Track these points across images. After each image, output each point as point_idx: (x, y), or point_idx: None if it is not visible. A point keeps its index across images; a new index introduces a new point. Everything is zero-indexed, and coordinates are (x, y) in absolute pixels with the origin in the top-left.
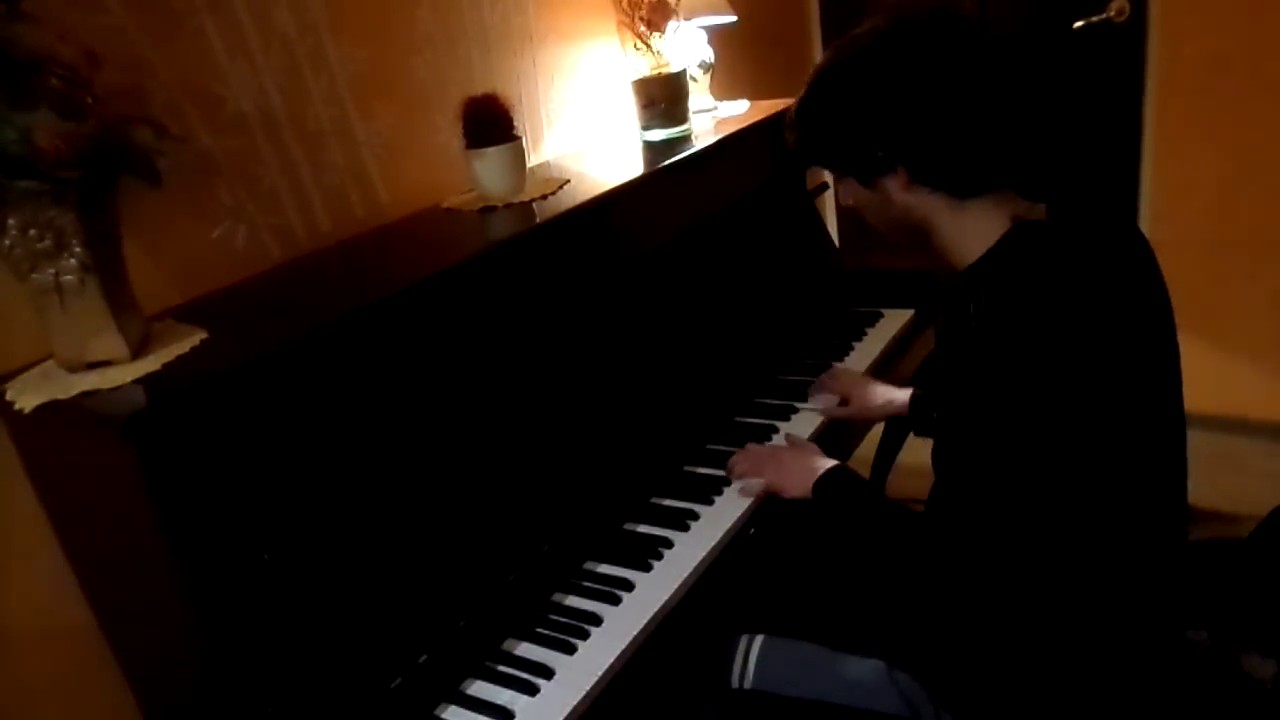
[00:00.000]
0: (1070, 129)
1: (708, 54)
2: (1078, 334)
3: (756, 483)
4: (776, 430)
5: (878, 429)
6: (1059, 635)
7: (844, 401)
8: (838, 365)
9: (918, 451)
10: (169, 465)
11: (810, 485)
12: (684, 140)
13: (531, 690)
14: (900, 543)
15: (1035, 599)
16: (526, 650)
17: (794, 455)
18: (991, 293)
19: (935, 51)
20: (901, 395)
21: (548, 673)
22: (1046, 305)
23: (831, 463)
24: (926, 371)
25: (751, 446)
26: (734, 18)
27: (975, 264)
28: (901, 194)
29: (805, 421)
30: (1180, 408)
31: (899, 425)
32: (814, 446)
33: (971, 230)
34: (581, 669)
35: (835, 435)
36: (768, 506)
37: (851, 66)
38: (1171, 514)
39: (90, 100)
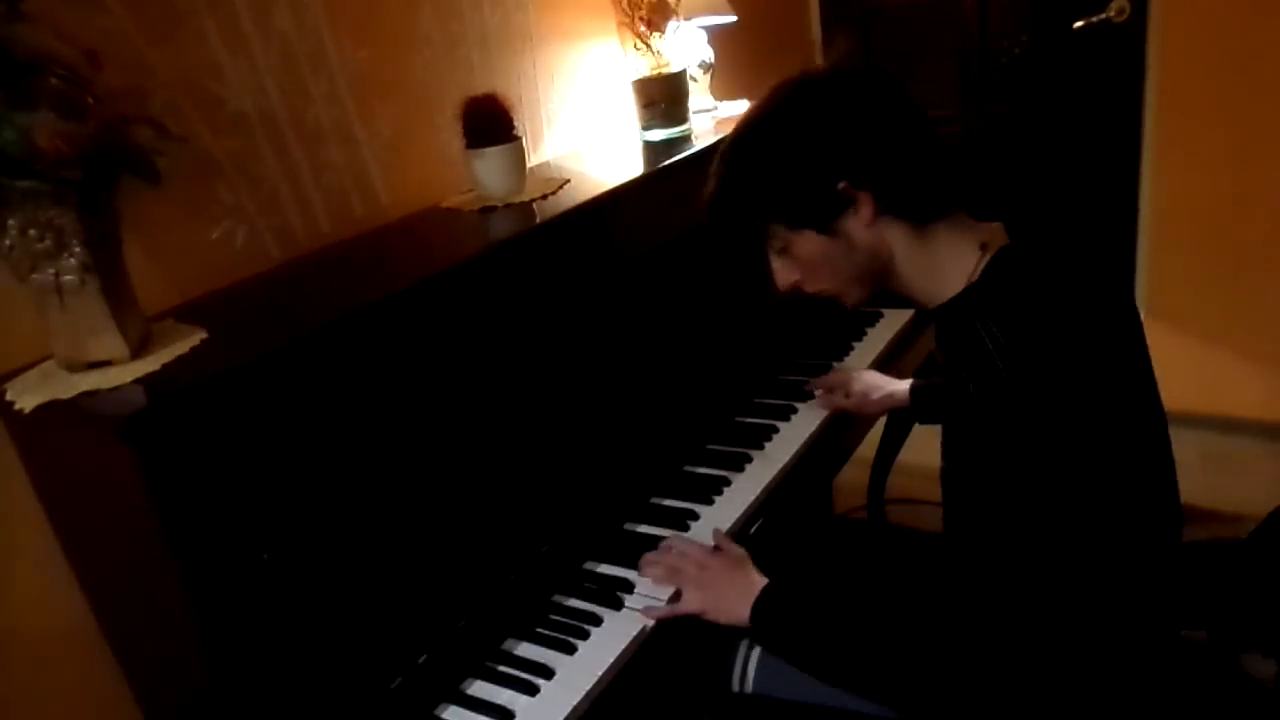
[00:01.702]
0: (1012, 148)
1: (708, 54)
2: (1092, 358)
3: (665, 608)
4: (776, 430)
5: (878, 429)
6: (1060, 636)
7: (846, 395)
8: (837, 366)
9: (918, 451)
10: (169, 465)
11: (746, 611)
12: (684, 140)
13: (531, 690)
14: (878, 639)
15: (1041, 607)
16: (526, 650)
17: (725, 570)
18: (1004, 326)
19: (874, 85)
20: (901, 387)
21: (548, 673)
22: (1065, 334)
23: (764, 581)
24: (931, 391)
25: (674, 543)
26: (734, 18)
27: (963, 295)
28: (864, 232)
29: (806, 419)
30: (1160, 407)
31: (899, 424)
32: (743, 555)
33: (940, 260)
34: (581, 669)
35: (835, 436)
36: (770, 504)
37: (793, 106)
38: (1167, 516)
39: (90, 100)
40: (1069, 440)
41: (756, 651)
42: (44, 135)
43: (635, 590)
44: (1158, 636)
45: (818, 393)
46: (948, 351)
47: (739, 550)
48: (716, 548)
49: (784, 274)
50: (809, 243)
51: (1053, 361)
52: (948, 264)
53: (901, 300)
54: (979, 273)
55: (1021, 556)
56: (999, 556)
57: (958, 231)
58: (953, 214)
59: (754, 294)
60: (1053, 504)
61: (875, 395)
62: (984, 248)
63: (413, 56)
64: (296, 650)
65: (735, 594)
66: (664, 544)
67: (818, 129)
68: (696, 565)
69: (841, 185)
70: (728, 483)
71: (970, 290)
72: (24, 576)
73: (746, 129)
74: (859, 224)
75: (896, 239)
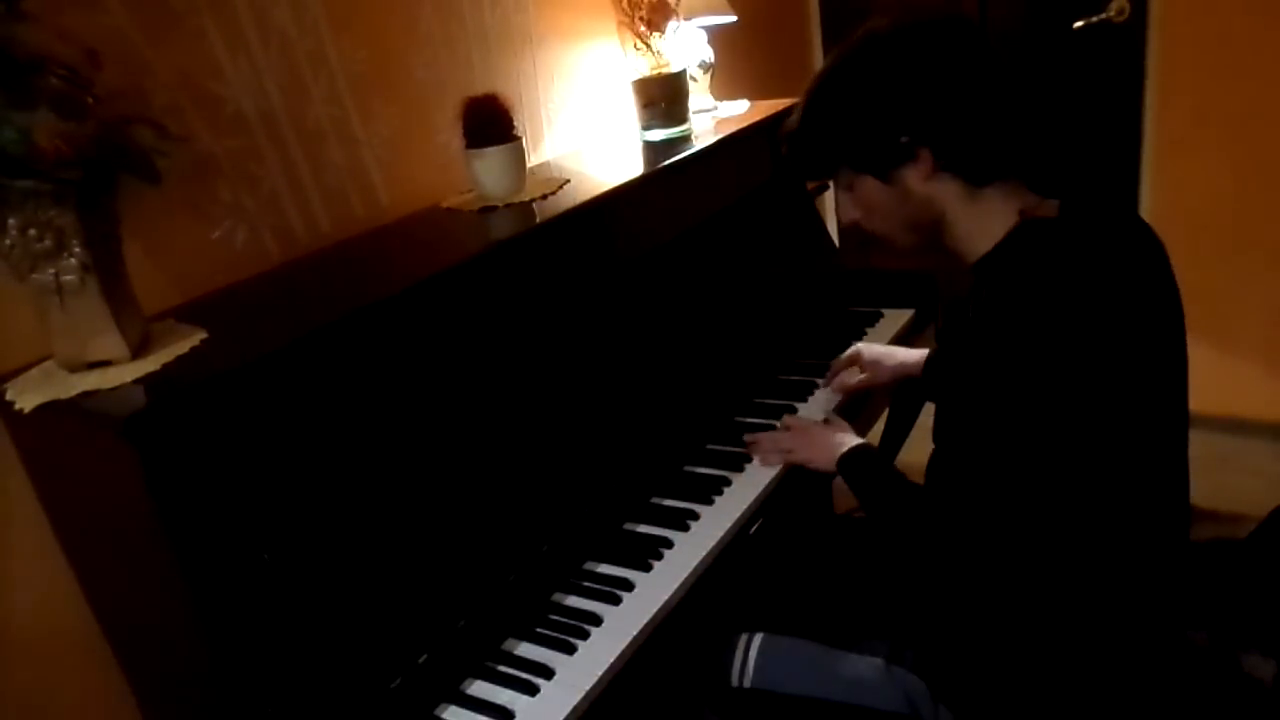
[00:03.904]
0: (1077, 127)
1: (708, 54)
2: (1071, 330)
3: (779, 454)
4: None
5: (877, 430)
6: (1060, 632)
7: (860, 370)
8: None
9: (918, 452)
10: (169, 465)
11: (835, 460)
12: (684, 140)
13: (531, 690)
14: (914, 524)
15: (1035, 593)
16: (526, 650)
17: (822, 430)
18: (991, 289)
19: (951, 40)
20: (914, 355)
21: (548, 673)
22: (1040, 302)
23: (857, 440)
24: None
25: (787, 420)
26: (734, 18)
27: (982, 259)
28: (921, 184)
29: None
30: (1185, 408)
31: (899, 424)
32: (844, 423)
33: (983, 221)
34: (581, 669)
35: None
36: (771, 504)
37: (870, 56)
38: (1173, 514)
39: (90, 100)
40: (1026, 415)
41: (755, 646)
42: (44, 135)
43: (636, 589)
44: (1163, 636)
45: (830, 383)
46: (948, 311)
47: (842, 421)
48: (825, 420)
49: (847, 210)
50: (868, 187)
51: (1024, 329)
52: (988, 226)
53: (901, 300)
54: (1002, 238)
55: (1004, 536)
56: (988, 540)
57: (1004, 197)
58: (1008, 180)
59: (754, 294)
60: (1023, 472)
61: (888, 363)
62: (1021, 214)
63: (413, 56)
64: (297, 650)
65: (828, 446)
66: (781, 422)
67: (890, 81)
68: (800, 430)
69: (904, 139)
70: (728, 483)
71: (989, 254)
72: (24, 577)
73: (831, 70)
74: (916, 177)
75: (949, 195)
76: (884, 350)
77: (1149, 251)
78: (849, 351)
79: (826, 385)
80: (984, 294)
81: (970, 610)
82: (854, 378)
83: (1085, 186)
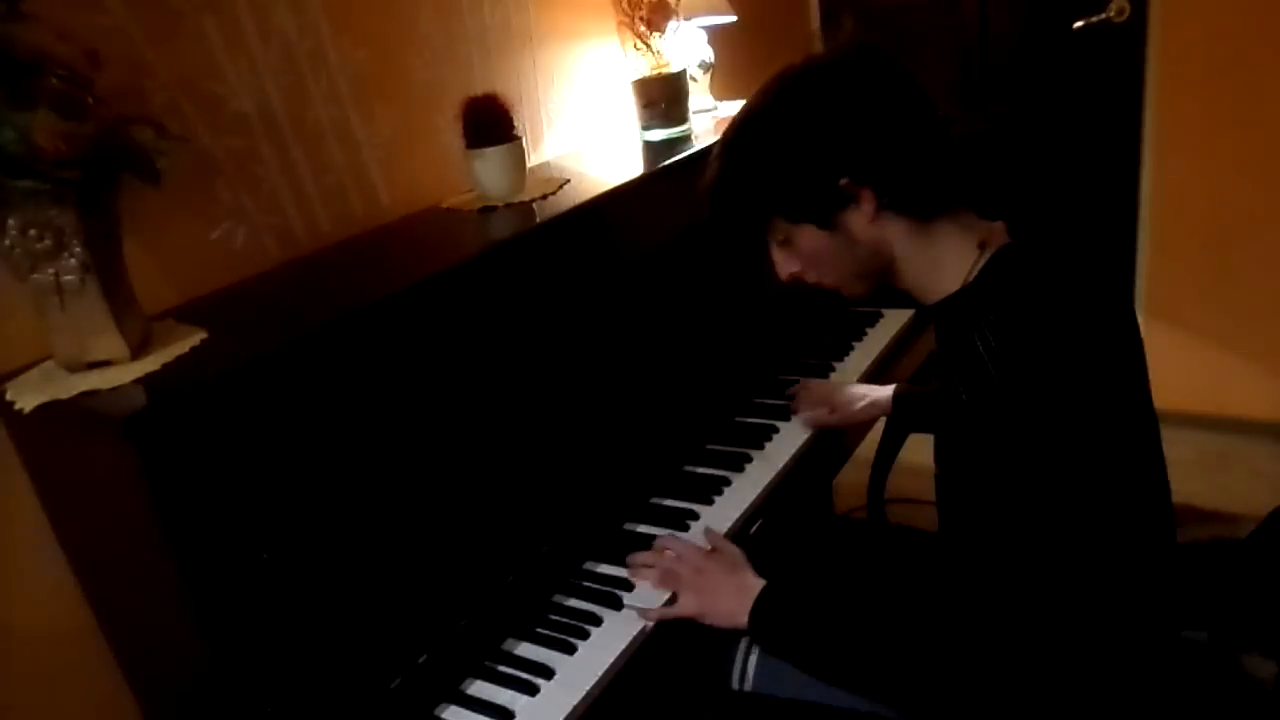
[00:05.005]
0: (1019, 143)
1: (708, 54)
2: (1085, 363)
3: (661, 610)
4: (776, 430)
5: (878, 429)
6: (1056, 639)
7: (830, 411)
8: (837, 366)
9: (918, 452)
10: (169, 465)
11: (745, 614)
12: (684, 140)
13: (531, 690)
14: (877, 640)
15: (1038, 610)
16: (526, 650)
17: (722, 573)
18: (998, 330)
19: (872, 72)
20: (884, 393)
21: (548, 673)
22: (1059, 339)
23: (762, 583)
24: (926, 394)
25: (668, 543)
26: (734, 18)
27: (959, 295)
28: (867, 229)
29: (796, 431)
30: (1152, 409)
31: (898, 425)
32: (739, 556)
33: (941, 258)
34: (581, 669)
35: (835, 436)
36: (770, 504)
37: (792, 98)
38: (1160, 518)
39: (90, 100)
40: (1060, 445)
41: (756, 650)
42: (44, 135)
43: (635, 590)
44: (1157, 637)
45: (801, 414)
46: (943, 352)
47: (734, 550)
48: (712, 549)
49: (785, 265)
50: (809, 237)
51: (1044, 367)
52: (946, 262)
53: (901, 299)
54: (975, 273)
55: (1017, 559)
56: (995, 560)
57: (958, 229)
58: (955, 211)
59: (754, 294)
60: (1045, 507)
61: (858, 405)
62: (982, 246)
63: (413, 56)
64: (296, 650)
65: (733, 597)
66: (657, 543)
67: (820, 123)
68: (692, 569)
69: (843, 182)
70: (728, 483)
71: (965, 291)
72: (24, 577)
73: (748, 118)
74: (860, 220)
75: (898, 235)
76: (855, 393)
77: (1097, 258)
78: (821, 393)
79: (797, 418)
80: (991, 339)
81: (970, 647)
82: (826, 418)
83: (1027, 204)
